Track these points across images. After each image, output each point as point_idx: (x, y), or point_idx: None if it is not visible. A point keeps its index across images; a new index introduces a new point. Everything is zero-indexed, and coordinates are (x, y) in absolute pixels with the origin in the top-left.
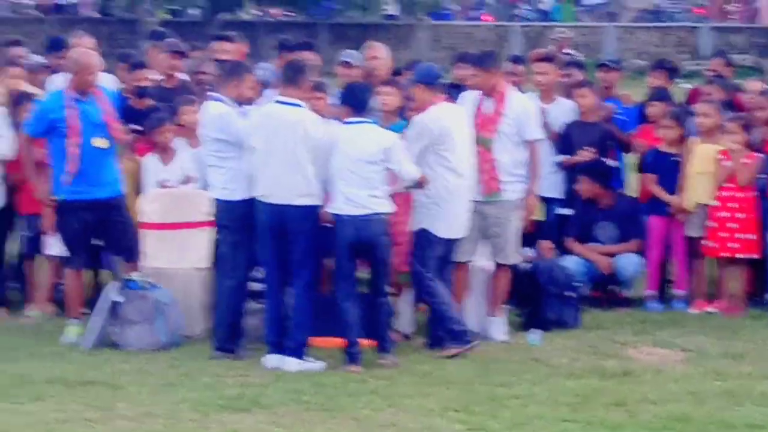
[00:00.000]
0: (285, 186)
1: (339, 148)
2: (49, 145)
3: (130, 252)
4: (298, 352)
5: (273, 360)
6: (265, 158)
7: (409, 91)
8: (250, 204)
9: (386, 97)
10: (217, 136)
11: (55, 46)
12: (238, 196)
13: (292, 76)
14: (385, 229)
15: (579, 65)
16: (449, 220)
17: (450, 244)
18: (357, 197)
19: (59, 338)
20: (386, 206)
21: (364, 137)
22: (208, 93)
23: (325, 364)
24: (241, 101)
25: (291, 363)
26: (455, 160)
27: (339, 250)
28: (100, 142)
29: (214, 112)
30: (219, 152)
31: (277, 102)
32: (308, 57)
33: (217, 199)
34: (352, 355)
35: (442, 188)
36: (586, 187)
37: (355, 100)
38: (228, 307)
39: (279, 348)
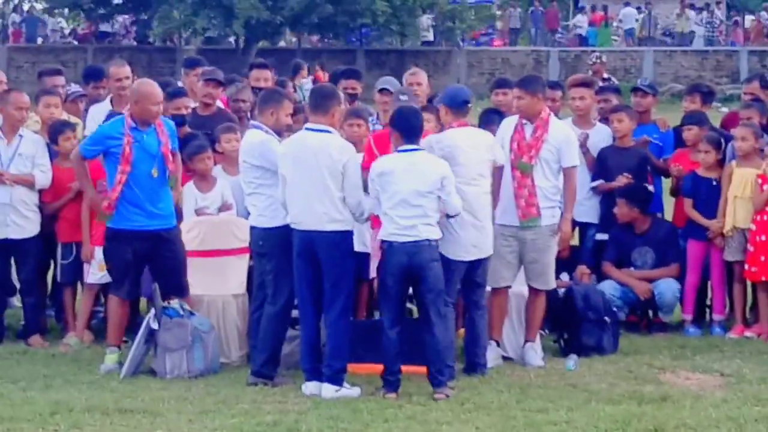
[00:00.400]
0: (314, 212)
1: (395, 177)
2: (106, 170)
3: (178, 287)
4: (335, 379)
5: (311, 387)
6: (293, 185)
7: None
8: (289, 230)
9: (425, 124)
10: (256, 163)
11: (93, 75)
12: (276, 222)
13: (319, 102)
14: (435, 255)
15: (615, 90)
16: (460, 242)
17: (468, 266)
18: (410, 224)
19: (99, 366)
20: (436, 233)
21: (422, 166)
22: (249, 121)
23: (361, 390)
24: (279, 129)
25: (328, 389)
26: (460, 184)
27: (390, 276)
28: (154, 173)
29: (253, 140)
30: (258, 179)
31: (306, 129)
32: (352, 84)
33: (256, 227)
34: (390, 382)
35: None
36: (624, 211)
37: (407, 126)
38: (269, 333)
39: (316, 375)
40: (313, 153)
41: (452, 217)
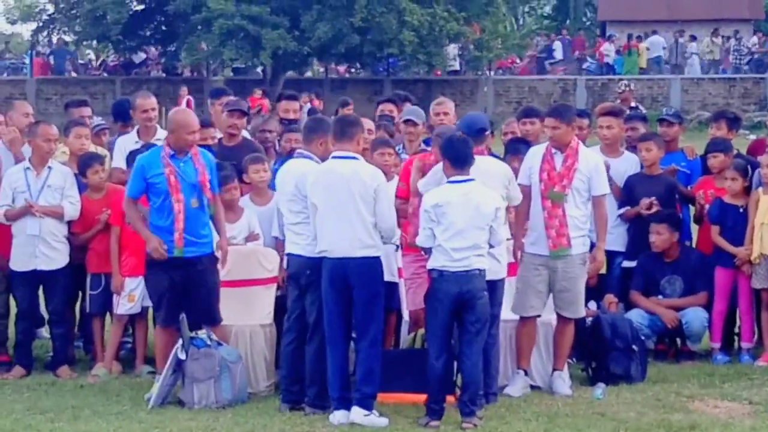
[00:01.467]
0: (345, 239)
1: (450, 209)
2: (149, 200)
3: (210, 316)
4: (365, 404)
5: (339, 416)
6: (324, 213)
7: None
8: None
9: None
10: (305, 193)
11: (122, 115)
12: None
13: (344, 130)
14: (484, 284)
15: (643, 118)
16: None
17: None
18: (463, 254)
19: (145, 396)
20: (486, 262)
21: (479, 197)
22: (297, 150)
23: (388, 421)
24: (326, 158)
25: (357, 413)
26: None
27: (439, 305)
28: (193, 203)
29: (305, 170)
30: (305, 209)
31: (333, 157)
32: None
33: (302, 256)
34: (434, 411)
35: None
36: (665, 237)
37: (456, 155)
38: (319, 365)
39: (344, 403)
40: (345, 180)
41: (492, 247)
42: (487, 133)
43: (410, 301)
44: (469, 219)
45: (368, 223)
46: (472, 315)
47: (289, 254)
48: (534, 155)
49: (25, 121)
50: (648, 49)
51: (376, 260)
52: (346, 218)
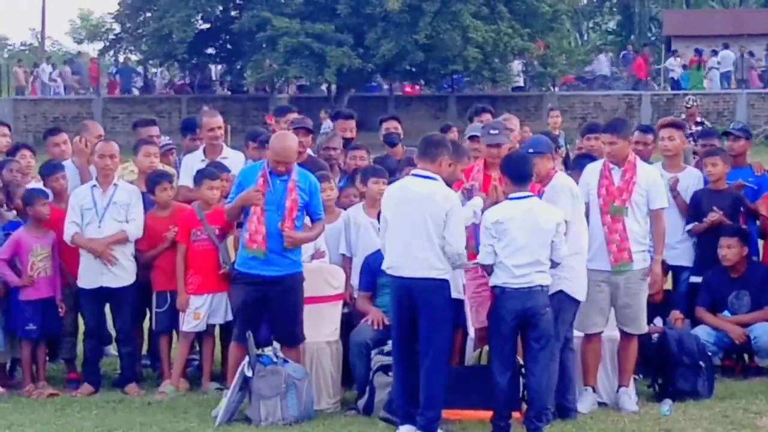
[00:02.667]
0: (412, 258)
1: (512, 225)
2: (244, 215)
3: (292, 335)
4: (428, 428)
5: (404, 430)
6: (394, 230)
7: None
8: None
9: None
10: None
11: (190, 127)
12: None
13: (427, 149)
14: (547, 300)
15: (718, 135)
16: (583, 281)
17: None
18: (524, 271)
19: (212, 413)
20: (548, 278)
21: (540, 213)
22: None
23: None
24: (451, 180)
25: None
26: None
27: (502, 321)
28: (280, 226)
29: (436, 191)
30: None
31: (412, 175)
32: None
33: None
34: (500, 428)
35: None
36: (735, 250)
37: (516, 171)
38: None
39: (409, 419)
40: (419, 199)
41: (555, 265)
42: (551, 153)
43: (474, 318)
44: (529, 235)
45: (437, 245)
46: (535, 331)
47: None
48: (591, 171)
49: (101, 163)
50: (719, 63)
51: (444, 283)
52: (416, 238)
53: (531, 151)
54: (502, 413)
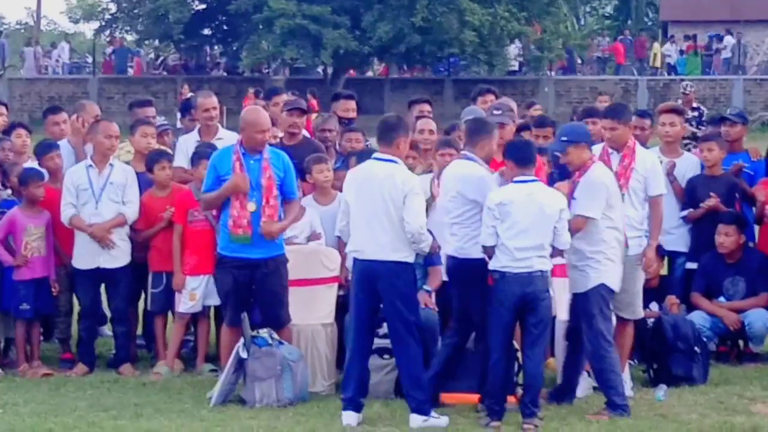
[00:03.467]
0: (375, 241)
1: (514, 207)
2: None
3: (277, 318)
4: (421, 409)
5: (346, 417)
6: (357, 214)
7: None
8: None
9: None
10: (471, 197)
11: (190, 108)
12: (474, 254)
13: (382, 133)
14: (546, 286)
15: (718, 121)
16: (617, 273)
17: None
18: (525, 254)
19: (206, 394)
20: (548, 264)
21: (543, 198)
22: (462, 152)
23: (448, 419)
24: (489, 160)
25: (415, 420)
26: (617, 218)
27: (501, 306)
28: (250, 205)
29: (471, 173)
30: (469, 212)
31: (373, 158)
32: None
33: (456, 257)
34: (495, 411)
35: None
36: (732, 238)
37: (520, 156)
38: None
39: (353, 405)
40: (378, 182)
41: (558, 252)
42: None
43: None
44: (533, 218)
45: (399, 228)
46: (534, 317)
47: (447, 255)
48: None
49: (107, 143)
50: (723, 48)
51: (407, 266)
52: (377, 221)
53: (565, 139)
54: (497, 397)
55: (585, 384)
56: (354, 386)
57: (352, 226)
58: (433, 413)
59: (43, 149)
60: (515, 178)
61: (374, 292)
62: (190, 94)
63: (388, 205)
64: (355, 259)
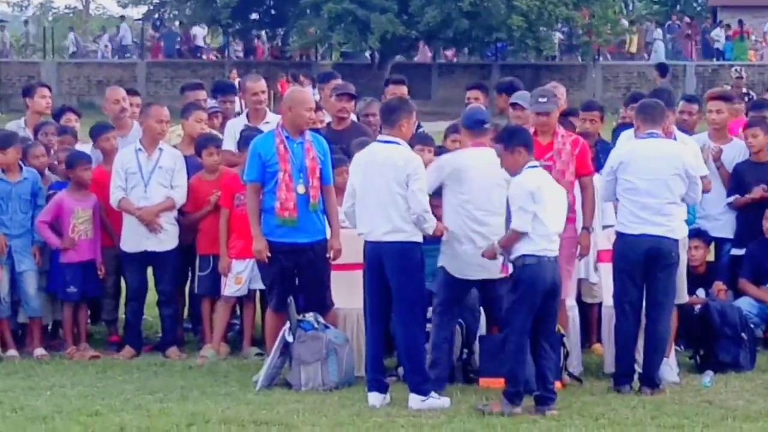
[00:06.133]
0: (380, 222)
1: (545, 193)
2: (264, 185)
3: (321, 303)
4: (419, 390)
5: (372, 398)
6: (363, 196)
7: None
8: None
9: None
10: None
11: (222, 89)
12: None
13: (384, 116)
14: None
15: (761, 105)
16: (462, 259)
17: (458, 283)
18: (557, 239)
19: (252, 378)
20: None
21: (554, 185)
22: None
23: (449, 400)
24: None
25: (414, 400)
26: (473, 202)
27: (536, 292)
28: (299, 188)
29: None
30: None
31: (377, 141)
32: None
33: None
34: (511, 396)
35: (458, 228)
36: None
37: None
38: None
39: (378, 386)
40: (381, 164)
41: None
42: (487, 126)
43: None
44: (557, 204)
45: (403, 208)
46: (556, 301)
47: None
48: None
49: (158, 128)
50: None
51: (412, 245)
52: (381, 202)
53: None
54: (546, 385)
55: (669, 369)
56: (372, 367)
57: (360, 208)
58: (433, 394)
59: (99, 130)
60: (530, 164)
61: (382, 274)
62: (237, 80)
63: (392, 186)
64: (366, 241)
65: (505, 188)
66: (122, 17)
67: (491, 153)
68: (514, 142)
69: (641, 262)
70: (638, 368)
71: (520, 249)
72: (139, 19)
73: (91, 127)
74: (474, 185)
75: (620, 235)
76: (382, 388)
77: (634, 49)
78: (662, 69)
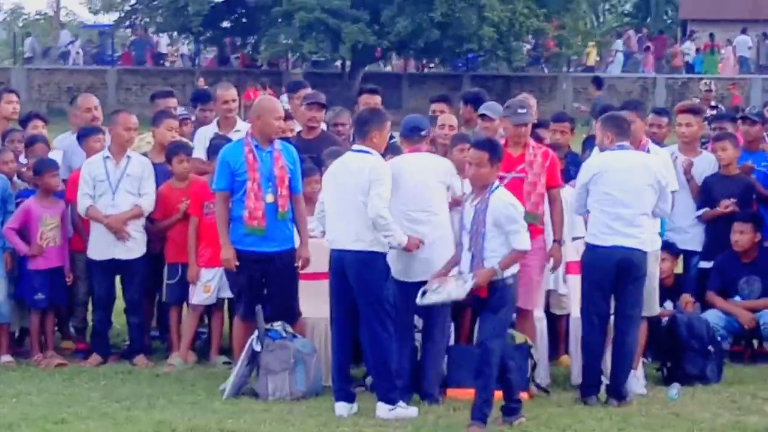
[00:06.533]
0: (343, 231)
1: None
2: (233, 194)
3: (289, 312)
4: (387, 399)
5: (339, 408)
6: (329, 204)
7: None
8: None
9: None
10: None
11: (201, 98)
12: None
13: (357, 128)
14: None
15: (731, 119)
16: (402, 261)
17: (405, 287)
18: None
19: (219, 386)
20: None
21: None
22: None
23: (417, 410)
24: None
25: (382, 409)
26: (408, 204)
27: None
28: (269, 198)
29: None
30: None
31: (350, 151)
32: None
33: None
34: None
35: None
36: (748, 236)
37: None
38: None
39: (344, 396)
40: (350, 173)
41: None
42: (423, 133)
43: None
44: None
45: (365, 217)
46: None
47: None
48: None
49: (125, 135)
50: (735, 46)
51: (374, 254)
52: (346, 210)
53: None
54: (512, 395)
55: (636, 381)
56: (339, 376)
57: (327, 216)
58: (401, 403)
59: (87, 132)
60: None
61: (346, 282)
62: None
63: (357, 194)
64: (331, 249)
65: (439, 190)
66: (61, 24)
67: (426, 157)
68: (497, 157)
69: (612, 273)
70: (605, 380)
71: (513, 269)
72: (105, 25)
73: (80, 129)
74: (409, 188)
75: (592, 247)
76: (350, 398)
77: (592, 61)
78: (598, 82)
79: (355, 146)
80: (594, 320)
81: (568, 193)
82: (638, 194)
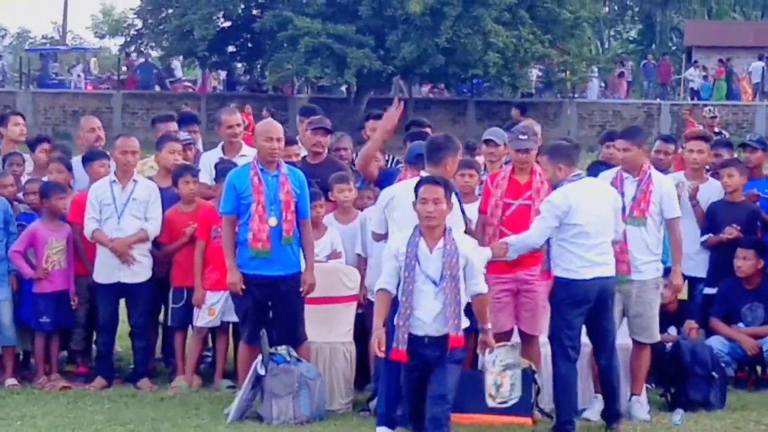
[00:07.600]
0: None
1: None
2: (239, 217)
3: (293, 335)
4: (381, 420)
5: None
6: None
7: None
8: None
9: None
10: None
11: (186, 120)
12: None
13: (430, 154)
14: None
15: (727, 145)
16: None
17: None
18: None
19: (224, 410)
20: None
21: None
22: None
23: None
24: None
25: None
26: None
27: None
28: (271, 221)
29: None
30: (572, 235)
31: (422, 178)
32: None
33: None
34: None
35: None
36: (751, 262)
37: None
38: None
39: (387, 421)
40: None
41: None
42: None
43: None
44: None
45: None
46: None
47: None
48: (605, 178)
49: (122, 159)
50: (750, 73)
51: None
52: None
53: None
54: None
55: (599, 407)
56: (384, 402)
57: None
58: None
59: (92, 156)
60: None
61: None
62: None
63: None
64: None
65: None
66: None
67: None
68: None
69: (591, 305)
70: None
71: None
72: (47, 49)
73: (85, 153)
74: (405, 211)
75: (568, 282)
76: (392, 424)
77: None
78: (522, 108)
79: (425, 173)
80: (571, 354)
81: None
82: (607, 221)
